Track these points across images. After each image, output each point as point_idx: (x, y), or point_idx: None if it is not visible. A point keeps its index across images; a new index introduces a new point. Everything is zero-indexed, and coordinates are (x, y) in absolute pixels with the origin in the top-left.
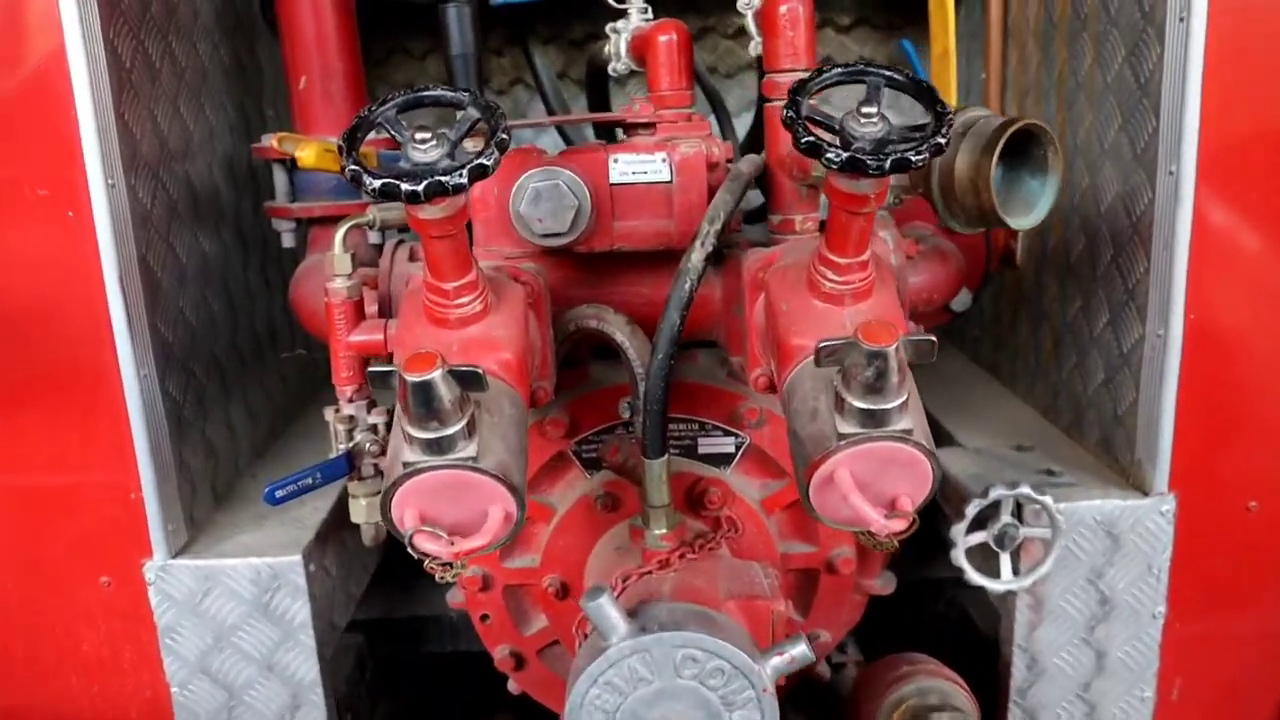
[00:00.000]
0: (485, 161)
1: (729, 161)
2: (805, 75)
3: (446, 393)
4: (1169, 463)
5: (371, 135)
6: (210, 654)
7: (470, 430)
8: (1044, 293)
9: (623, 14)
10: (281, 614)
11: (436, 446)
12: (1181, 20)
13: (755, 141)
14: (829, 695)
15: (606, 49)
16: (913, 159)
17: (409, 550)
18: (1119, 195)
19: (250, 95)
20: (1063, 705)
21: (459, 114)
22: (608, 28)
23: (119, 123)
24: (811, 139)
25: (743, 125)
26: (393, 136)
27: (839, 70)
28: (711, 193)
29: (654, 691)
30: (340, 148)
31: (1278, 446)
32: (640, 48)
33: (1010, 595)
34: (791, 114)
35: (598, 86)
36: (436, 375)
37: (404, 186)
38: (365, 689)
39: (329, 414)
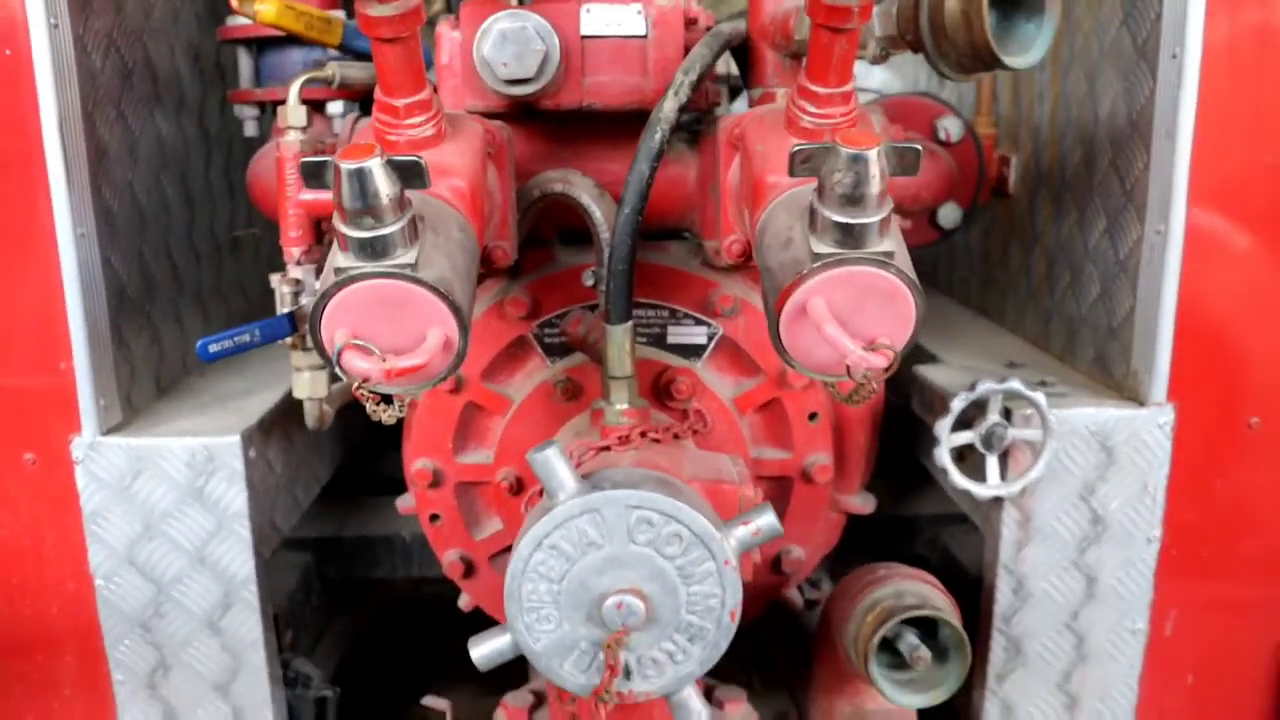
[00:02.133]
0: None
1: (709, 29)
2: None
3: (385, 185)
4: (1168, 371)
5: None
6: (139, 543)
7: (410, 236)
8: (1036, 216)
9: None
10: (216, 500)
11: (371, 248)
12: None
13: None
14: (801, 631)
15: None
16: None
17: (338, 370)
18: (1118, 94)
19: None
20: (1049, 635)
21: None
22: None
23: None
24: None
25: None
26: None
27: None
28: (689, 51)
29: (604, 558)
30: None
31: None
32: None
33: (996, 512)
34: None
35: None
36: (374, 162)
37: None
38: (311, 610)
39: (275, 279)
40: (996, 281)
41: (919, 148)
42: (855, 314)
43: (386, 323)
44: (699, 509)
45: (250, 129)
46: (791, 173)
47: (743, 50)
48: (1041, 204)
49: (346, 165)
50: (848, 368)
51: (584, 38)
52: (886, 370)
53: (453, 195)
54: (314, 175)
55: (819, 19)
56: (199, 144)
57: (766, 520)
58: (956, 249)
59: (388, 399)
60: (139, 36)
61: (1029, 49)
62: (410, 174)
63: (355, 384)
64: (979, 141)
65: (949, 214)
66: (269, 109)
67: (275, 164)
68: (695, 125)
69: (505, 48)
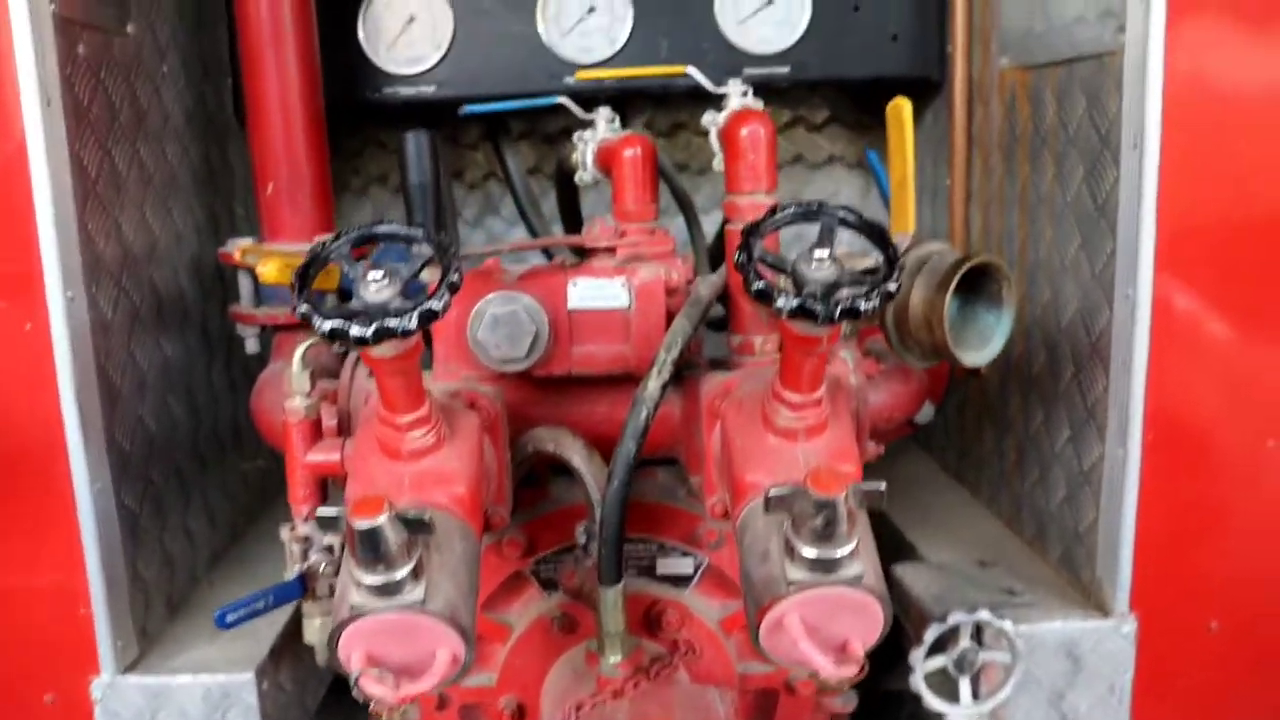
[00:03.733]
0: (434, 305)
1: (689, 283)
2: (759, 218)
3: (394, 537)
4: (1129, 583)
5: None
6: None
7: (418, 573)
8: (1008, 404)
9: (589, 124)
10: None
11: (383, 590)
12: (1135, 147)
13: (724, 244)
14: None
15: (574, 156)
16: (862, 307)
17: (354, 693)
18: (1079, 312)
19: (220, 195)
20: None
21: (412, 248)
22: (574, 137)
23: (81, 234)
24: (762, 285)
25: (713, 222)
26: (346, 274)
27: (792, 210)
28: (670, 317)
29: None
30: (293, 285)
31: (1235, 567)
32: (606, 160)
33: None
34: (743, 258)
35: (566, 190)
36: (384, 521)
37: (353, 331)
38: None
39: (284, 532)
40: (971, 455)
41: (882, 487)
42: (828, 621)
43: (398, 645)
44: None
45: (251, 346)
46: (766, 511)
47: (724, 296)
48: (1011, 393)
49: (359, 524)
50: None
51: (571, 311)
52: (856, 677)
53: (453, 503)
54: (330, 525)
55: (790, 344)
56: (201, 352)
57: None
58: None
59: None
60: (145, 269)
61: (988, 341)
62: (418, 527)
63: (372, 704)
64: None
65: (924, 413)
66: (269, 327)
67: (280, 405)
68: (680, 369)
69: (498, 330)
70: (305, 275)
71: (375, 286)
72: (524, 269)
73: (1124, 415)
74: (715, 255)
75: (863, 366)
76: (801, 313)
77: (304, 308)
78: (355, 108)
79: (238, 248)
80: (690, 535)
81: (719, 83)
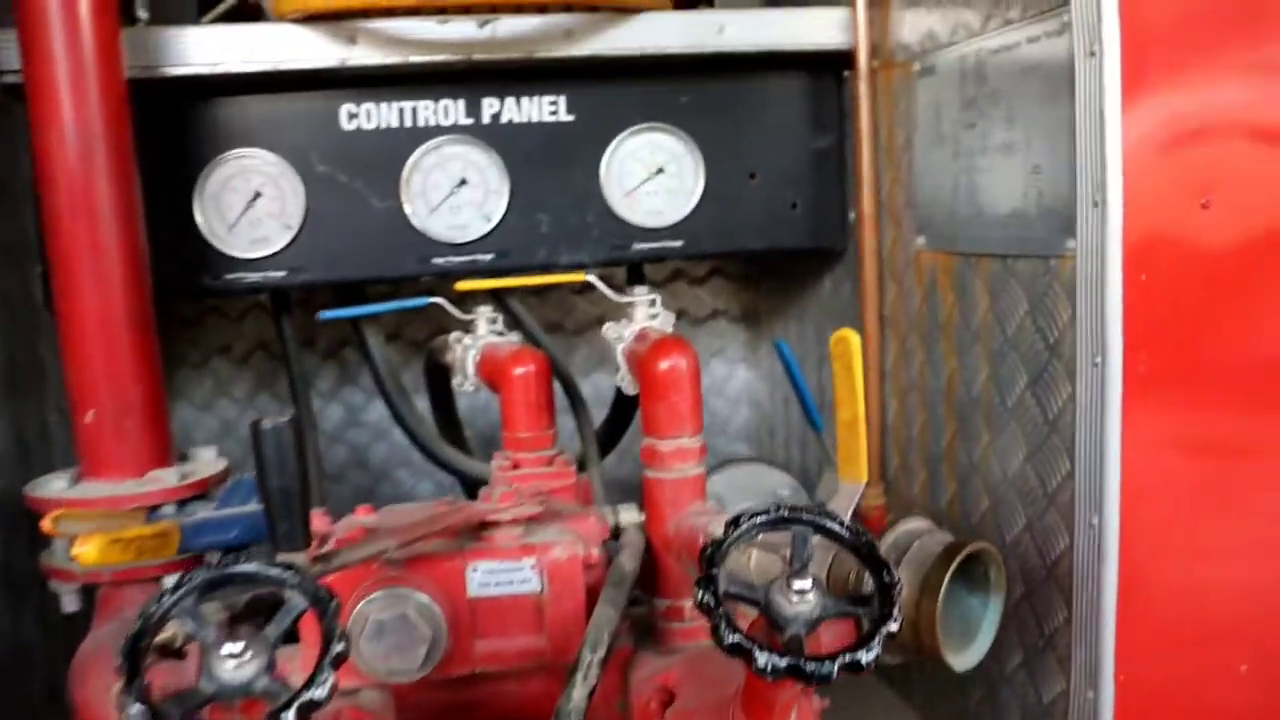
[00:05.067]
0: (318, 695)
1: (609, 539)
2: (718, 537)
3: None
4: None
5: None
6: None
7: None
8: None
9: (468, 325)
10: None
11: None
12: (1095, 365)
13: (612, 432)
14: None
15: (449, 356)
16: (864, 660)
17: None
18: (1028, 531)
19: (28, 406)
20: None
21: (286, 595)
22: (451, 338)
23: None
24: (737, 639)
25: (590, 384)
26: (197, 639)
27: (760, 519)
28: (589, 596)
29: None
30: (119, 668)
31: None
32: (492, 373)
33: None
34: (709, 599)
35: (440, 391)
36: None
37: None
38: None
39: None
40: None
41: None
42: None
43: None
44: None
45: (69, 604)
46: None
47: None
48: None
49: None
50: None
51: (472, 599)
52: None
53: None
54: None
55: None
56: (5, 608)
57: None
58: None
59: None
60: None
61: (972, 628)
62: None
63: None
64: None
65: None
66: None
67: (106, 687)
68: None
69: (384, 639)
70: (135, 652)
71: (234, 663)
72: (408, 534)
73: (1093, 654)
74: (607, 436)
75: None
76: (791, 673)
77: (135, 709)
78: (193, 296)
79: (50, 514)
80: None
81: (609, 263)
